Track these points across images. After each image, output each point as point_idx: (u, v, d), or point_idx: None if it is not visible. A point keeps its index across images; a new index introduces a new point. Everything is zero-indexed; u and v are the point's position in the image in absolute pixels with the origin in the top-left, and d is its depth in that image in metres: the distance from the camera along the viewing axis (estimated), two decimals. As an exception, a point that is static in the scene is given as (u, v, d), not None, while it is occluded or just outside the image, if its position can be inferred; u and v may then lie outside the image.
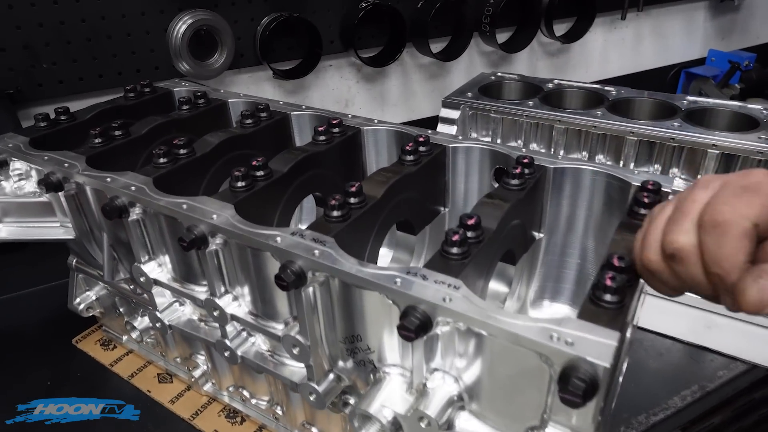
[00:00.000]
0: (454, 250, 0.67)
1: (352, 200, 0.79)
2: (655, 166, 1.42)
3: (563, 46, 2.16)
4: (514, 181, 0.82)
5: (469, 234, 0.69)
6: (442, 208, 1.05)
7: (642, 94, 1.56)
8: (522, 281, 0.95)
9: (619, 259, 0.61)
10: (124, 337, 1.27)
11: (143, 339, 1.21)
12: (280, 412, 1.00)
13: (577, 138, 1.52)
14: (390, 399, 0.69)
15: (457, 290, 0.61)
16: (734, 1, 2.51)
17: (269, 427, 1.05)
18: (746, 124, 1.35)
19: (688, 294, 0.57)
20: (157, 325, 1.03)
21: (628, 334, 0.81)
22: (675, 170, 1.39)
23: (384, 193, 0.83)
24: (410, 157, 0.91)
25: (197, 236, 0.79)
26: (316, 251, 0.69)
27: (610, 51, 2.34)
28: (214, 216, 0.79)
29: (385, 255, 1.06)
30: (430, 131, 1.04)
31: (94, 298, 1.23)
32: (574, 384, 0.52)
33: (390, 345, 0.71)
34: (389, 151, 1.09)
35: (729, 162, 1.27)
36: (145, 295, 1.02)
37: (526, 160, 0.85)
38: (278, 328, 0.83)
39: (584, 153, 1.52)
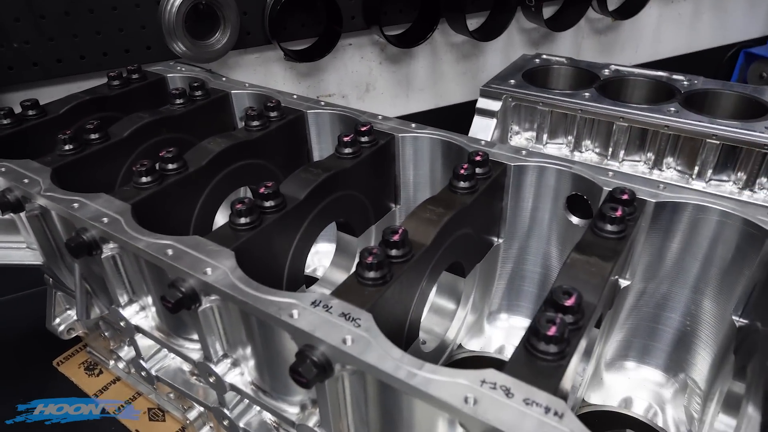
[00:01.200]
0: (551, 348, 0.46)
1: (395, 252, 0.58)
2: (739, 174, 1.19)
3: (612, 23, 1.90)
4: (612, 227, 0.60)
5: (568, 319, 0.48)
6: (495, 239, 0.84)
7: (722, 86, 1.32)
8: (601, 340, 0.75)
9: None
10: (111, 362, 1.10)
11: (131, 370, 1.04)
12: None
13: (641, 138, 1.29)
14: None
15: (561, 420, 0.41)
16: (806, -28, 2.21)
17: (278, 488, 0.87)
18: None
19: None
20: (143, 374, 0.84)
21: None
22: (764, 180, 1.17)
23: (435, 238, 0.62)
24: (465, 183, 0.70)
25: (186, 294, 0.59)
26: (348, 338, 0.49)
27: (663, 28, 2.07)
28: (208, 270, 0.58)
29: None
30: (483, 142, 0.81)
31: (75, 318, 1.06)
32: None
33: (447, 463, 0.51)
34: (432, 163, 0.87)
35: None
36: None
37: (625, 196, 0.63)
38: (291, 412, 0.63)
39: (649, 155, 1.29)
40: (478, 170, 0.73)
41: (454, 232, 0.67)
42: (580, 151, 1.38)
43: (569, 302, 0.49)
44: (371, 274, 0.56)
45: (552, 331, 0.46)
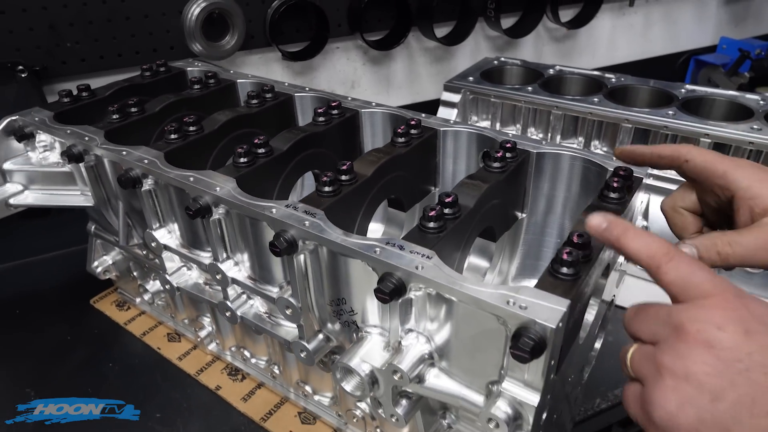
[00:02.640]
0: (431, 224, 0.74)
1: (343, 177, 0.86)
2: (648, 152, 1.46)
3: (570, 31, 2.18)
4: (496, 164, 0.88)
5: (446, 211, 0.76)
6: (432, 188, 1.12)
7: (641, 82, 1.59)
8: (504, 258, 1.02)
9: (579, 236, 0.68)
10: (138, 299, 1.37)
11: (154, 301, 1.31)
12: (277, 371, 1.09)
13: (573, 124, 1.56)
14: (369, 355, 0.77)
15: (429, 260, 0.69)
16: (748, -12, 2.49)
17: (267, 384, 1.14)
18: (741, 113, 1.38)
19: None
20: (167, 287, 1.12)
21: (595, 308, 0.88)
22: (667, 157, 1.43)
23: (374, 172, 0.90)
24: (401, 139, 0.98)
25: (202, 206, 0.87)
26: (307, 222, 0.77)
27: (618, 37, 2.35)
28: (218, 188, 0.86)
29: (377, 230, 1.14)
30: (424, 115, 1.10)
31: (110, 262, 1.33)
32: (524, 342, 0.59)
33: (371, 308, 0.78)
34: (385, 132, 1.15)
35: (721, 151, 1.30)
36: (156, 260, 1.11)
37: (508, 145, 0.91)
38: (273, 291, 0.91)
39: (580, 138, 1.56)
40: (412, 131, 1.01)
41: (390, 172, 0.95)
42: (527, 136, 1.65)
43: (448, 199, 0.77)
44: (326, 189, 0.84)
45: (432, 213, 0.74)
